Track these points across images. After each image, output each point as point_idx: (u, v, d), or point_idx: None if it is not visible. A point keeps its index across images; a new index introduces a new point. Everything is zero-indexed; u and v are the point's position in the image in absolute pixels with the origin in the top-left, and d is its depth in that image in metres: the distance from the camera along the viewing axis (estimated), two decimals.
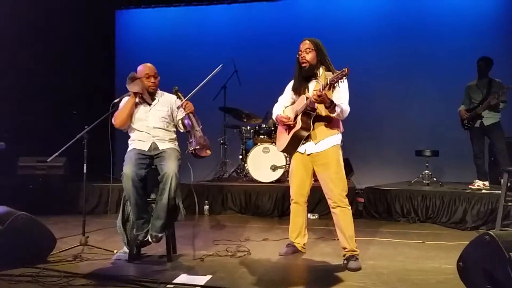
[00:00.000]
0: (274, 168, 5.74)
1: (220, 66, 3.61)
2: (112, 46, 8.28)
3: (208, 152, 3.48)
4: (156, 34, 8.09)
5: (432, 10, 7.13)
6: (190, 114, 3.44)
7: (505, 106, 5.17)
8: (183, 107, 3.41)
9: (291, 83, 3.51)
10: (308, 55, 3.30)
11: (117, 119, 3.48)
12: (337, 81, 2.99)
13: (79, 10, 6.95)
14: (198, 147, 3.38)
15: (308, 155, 3.35)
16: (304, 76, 3.36)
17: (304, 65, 3.32)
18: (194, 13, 8.08)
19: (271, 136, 6.04)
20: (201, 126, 3.49)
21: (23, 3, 6.00)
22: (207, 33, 7.87)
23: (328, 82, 3.02)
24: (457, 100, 5.58)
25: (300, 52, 3.33)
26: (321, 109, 3.25)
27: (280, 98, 3.61)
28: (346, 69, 2.92)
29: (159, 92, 3.59)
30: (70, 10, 6.78)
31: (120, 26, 8.38)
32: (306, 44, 3.32)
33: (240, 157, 6.36)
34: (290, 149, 3.45)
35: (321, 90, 3.03)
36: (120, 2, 8.27)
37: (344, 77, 2.96)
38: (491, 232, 2.29)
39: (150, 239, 3.32)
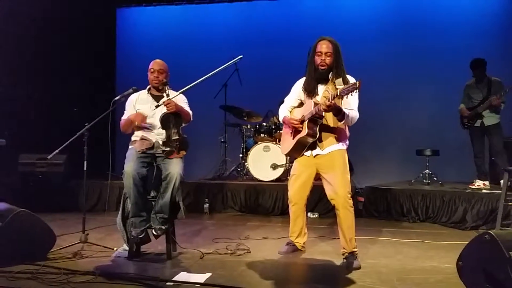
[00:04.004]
0: (274, 166, 5.73)
1: (240, 57, 3.52)
2: (113, 44, 8.28)
3: (182, 153, 3.43)
4: (157, 33, 8.08)
5: (433, 9, 7.12)
6: (170, 115, 3.39)
7: (504, 107, 5.17)
8: (165, 105, 3.37)
9: (299, 83, 3.45)
10: (328, 58, 3.21)
11: (122, 127, 3.58)
12: (347, 94, 2.87)
13: (80, 8, 6.94)
14: (168, 149, 3.37)
15: (314, 156, 3.32)
16: (318, 78, 3.28)
17: (322, 68, 3.23)
18: (195, 11, 8.07)
19: (271, 135, 6.03)
20: (182, 126, 3.47)
21: (23, 1, 6.00)
22: (208, 31, 7.86)
23: (338, 94, 2.91)
24: (458, 99, 5.56)
25: (319, 54, 3.22)
26: (329, 118, 3.21)
27: (286, 99, 3.56)
28: (358, 82, 2.81)
29: (169, 90, 3.57)
30: (71, 8, 6.77)
31: (121, 24, 8.37)
32: (328, 47, 3.21)
33: (241, 155, 6.35)
34: (294, 154, 3.43)
35: (330, 100, 2.94)
36: (121, 0, 8.27)
37: (354, 90, 2.84)
38: (491, 232, 2.29)
39: (154, 232, 3.34)
